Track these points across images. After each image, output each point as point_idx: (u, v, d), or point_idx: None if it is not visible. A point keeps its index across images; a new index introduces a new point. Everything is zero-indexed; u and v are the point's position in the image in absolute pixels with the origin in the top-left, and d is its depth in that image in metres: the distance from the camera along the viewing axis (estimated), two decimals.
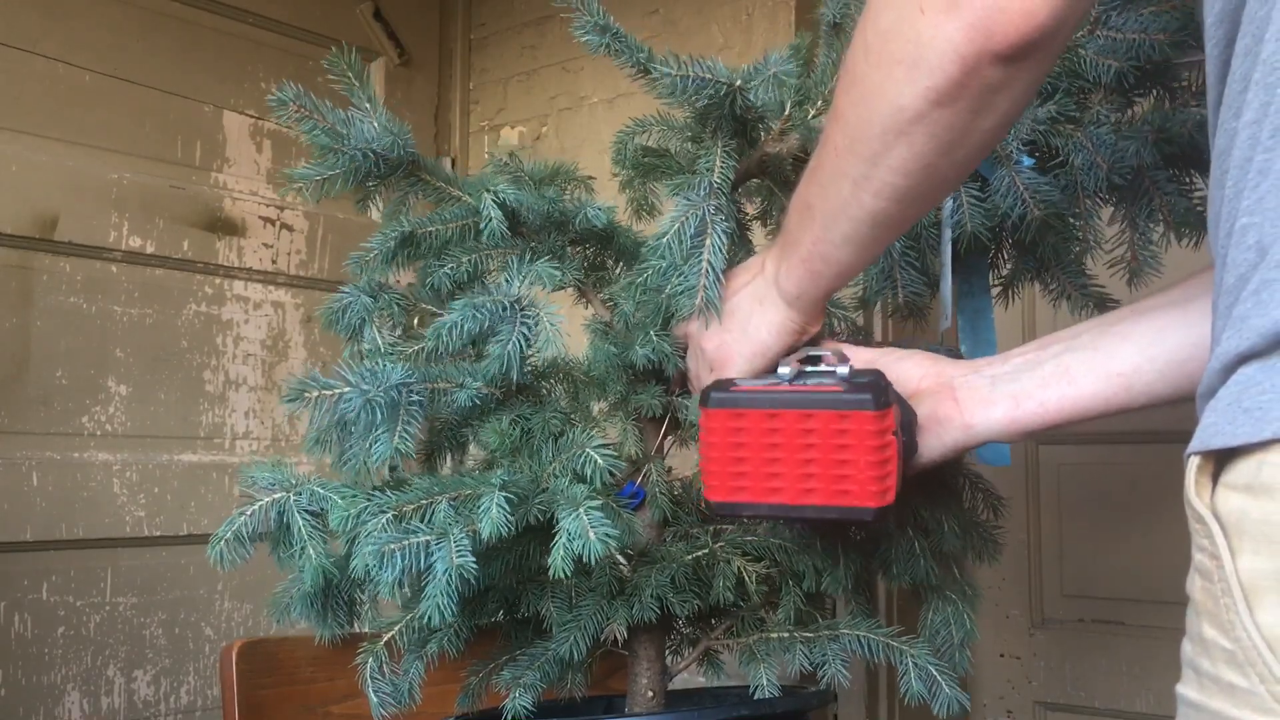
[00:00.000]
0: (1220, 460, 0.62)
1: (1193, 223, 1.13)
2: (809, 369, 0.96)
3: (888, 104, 0.80)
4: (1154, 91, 1.14)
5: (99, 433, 2.09)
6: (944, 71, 0.76)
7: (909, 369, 1.02)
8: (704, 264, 1.03)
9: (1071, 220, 1.16)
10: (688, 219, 1.03)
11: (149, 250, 2.16)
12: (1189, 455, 0.64)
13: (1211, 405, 0.64)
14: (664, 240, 1.03)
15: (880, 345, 1.11)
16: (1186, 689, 0.65)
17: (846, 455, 0.91)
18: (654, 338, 1.09)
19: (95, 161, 2.11)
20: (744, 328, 1.04)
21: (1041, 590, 2.04)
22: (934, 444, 1.00)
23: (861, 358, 1.04)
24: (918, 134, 0.80)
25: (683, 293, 1.04)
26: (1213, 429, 0.63)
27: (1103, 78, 1.10)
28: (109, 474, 2.08)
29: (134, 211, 2.14)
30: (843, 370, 0.94)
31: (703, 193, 1.05)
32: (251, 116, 2.34)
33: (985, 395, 0.98)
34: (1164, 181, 1.13)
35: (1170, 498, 0.66)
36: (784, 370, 0.95)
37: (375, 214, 2.51)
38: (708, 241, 1.03)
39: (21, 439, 1.99)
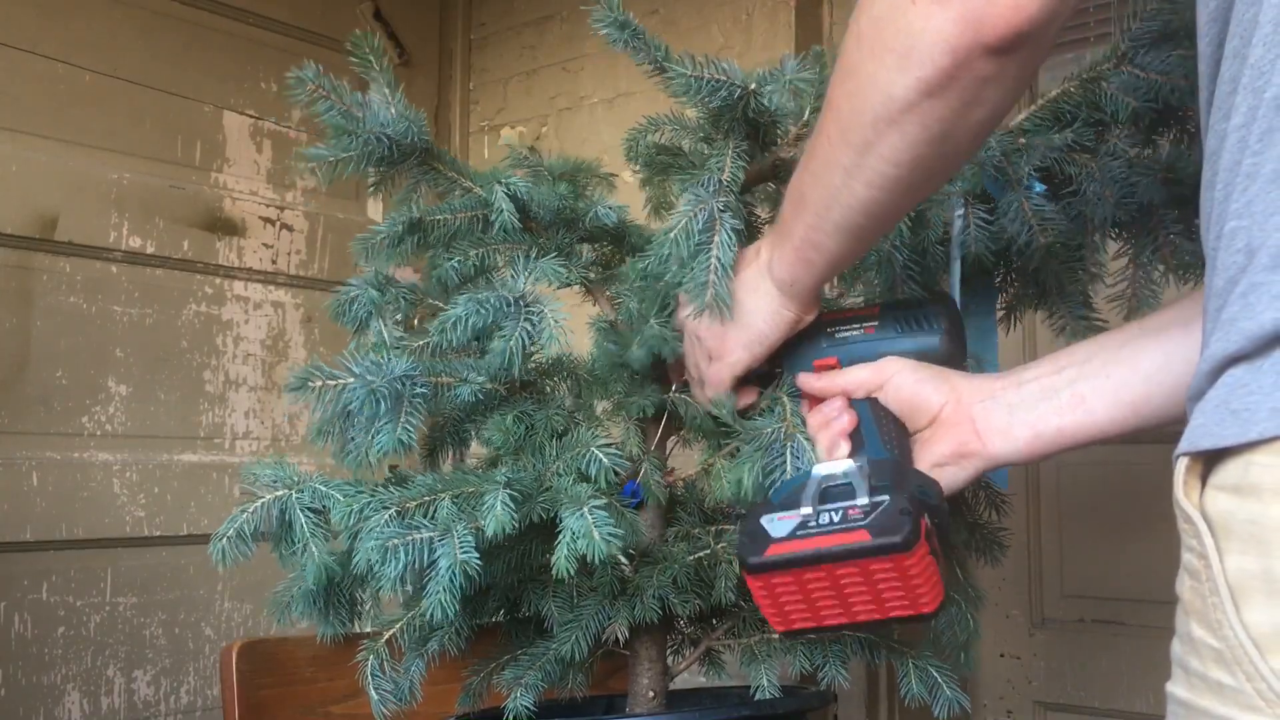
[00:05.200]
0: (1209, 461, 0.63)
1: (1194, 267, 1.12)
2: (828, 485, 0.95)
3: (879, 93, 0.81)
4: (1173, 131, 1.13)
5: (99, 433, 2.09)
6: (935, 62, 0.76)
7: (929, 395, 1.01)
8: (713, 260, 1.02)
9: (1078, 251, 1.15)
10: (696, 214, 1.03)
11: (149, 250, 2.16)
12: (1177, 456, 0.65)
13: (1200, 407, 0.64)
14: (672, 235, 1.03)
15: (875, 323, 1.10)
16: (1176, 687, 0.66)
17: (887, 587, 0.92)
18: (654, 327, 1.09)
19: (95, 161, 2.11)
20: (739, 316, 1.04)
21: (1041, 590, 2.04)
22: (959, 476, 1.01)
23: (860, 376, 1.04)
24: (909, 124, 0.81)
25: (692, 289, 1.03)
26: (1201, 430, 0.63)
27: (1120, 113, 1.09)
28: (109, 474, 2.08)
29: (134, 211, 2.14)
30: (863, 500, 0.92)
31: (711, 189, 1.05)
32: (251, 116, 2.34)
33: (1004, 425, 0.98)
34: (1170, 222, 1.13)
35: (1171, 498, 0.66)
36: (805, 509, 0.93)
37: (376, 214, 2.52)
38: (716, 238, 1.03)
39: (21, 439, 1.99)
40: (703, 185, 1.05)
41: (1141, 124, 1.11)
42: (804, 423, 1.05)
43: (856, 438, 1.02)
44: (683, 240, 1.03)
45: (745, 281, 1.03)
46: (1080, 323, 1.18)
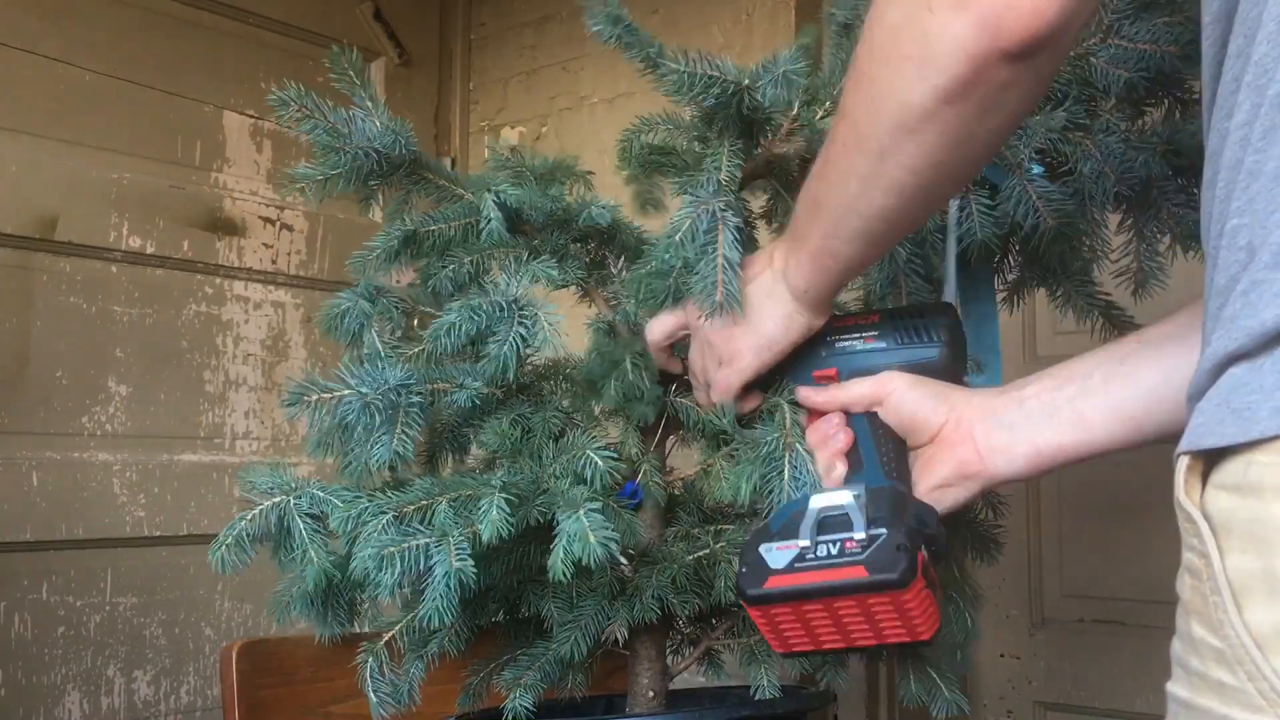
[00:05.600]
0: (1209, 460, 0.63)
1: (1199, 235, 1.13)
2: (825, 515, 0.96)
3: (896, 102, 0.80)
4: (1165, 101, 1.13)
5: (99, 433, 2.09)
6: (953, 69, 0.76)
7: (929, 414, 1.01)
8: (719, 259, 1.01)
9: (1080, 229, 1.15)
10: (699, 216, 1.03)
11: (149, 250, 2.16)
12: (1178, 455, 0.65)
13: (1200, 406, 0.65)
14: (676, 238, 1.03)
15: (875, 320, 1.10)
16: (1176, 687, 0.66)
17: (884, 618, 0.94)
18: (628, 370, 1.08)
19: (95, 161, 2.11)
20: (751, 321, 1.03)
21: (1041, 590, 2.04)
22: (961, 496, 1.01)
23: (858, 392, 1.03)
24: (927, 132, 0.80)
25: (701, 290, 1.03)
26: (1202, 429, 0.63)
27: (1113, 87, 1.09)
28: (109, 474, 2.08)
29: (134, 211, 2.14)
30: (860, 533, 0.93)
31: (711, 190, 1.04)
32: (251, 116, 2.34)
33: (1005, 445, 0.98)
34: (1172, 193, 1.12)
35: (1171, 498, 0.66)
36: (803, 541, 0.95)
37: (377, 214, 2.52)
38: (720, 237, 1.02)
39: (21, 439, 1.99)
40: (701, 186, 1.04)
41: (1135, 94, 1.10)
42: (803, 433, 1.05)
43: (854, 457, 1.02)
44: (687, 243, 1.02)
45: (759, 287, 1.03)
46: (1086, 300, 1.19)
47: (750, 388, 1.09)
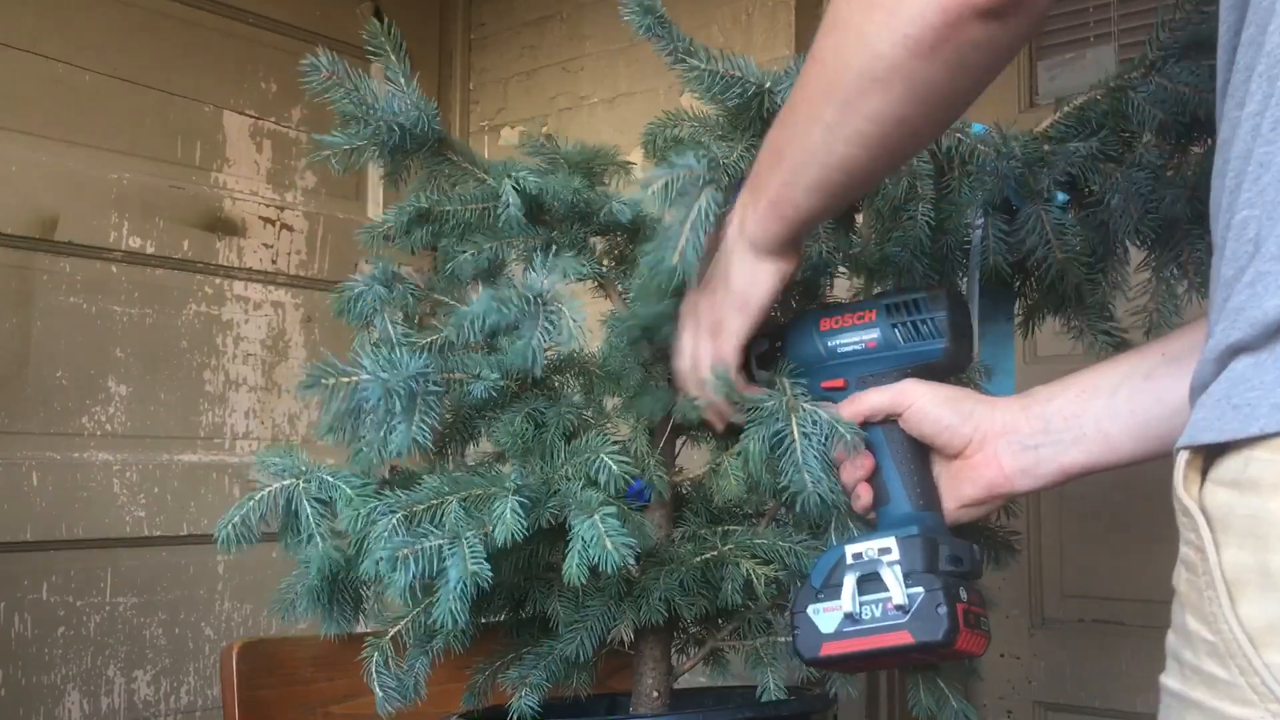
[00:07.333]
0: (1209, 456, 0.63)
1: None
2: (863, 574, 0.98)
3: (867, 50, 0.80)
4: (1203, 142, 1.12)
5: (99, 433, 2.08)
6: (925, 20, 0.76)
7: (954, 432, 1.00)
8: (690, 218, 0.99)
9: (1100, 262, 1.13)
10: (678, 176, 0.99)
11: (149, 250, 2.16)
12: (1178, 449, 0.65)
13: (1202, 400, 0.65)
14: (650, 190, 1.00)
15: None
16: (1169, 679, 0.66)
17: (938, 657, 1.00)
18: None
19: (95, 161, 2.10)
20: (727, 283, 1.02)
21: (1041, 590, 2.04)
22: (986, 510, 1.04)
23: (877, 402, 1.02)
24: (894, 83, 0.80)
25: (665, 246, 1.00)
26: (1202, 424, 0.63)
27: (1147, 123, 1.08)
28: (109, 474, 2.08)
29: (134, 211, 2.14)
30: (900, 597, 0.95)
31: (705, 161, 1.01)
32: (251, 116, 2.34)
33: (1031, 464, 0.99)
34: (1195, 237, 1.11)
35: (1170, 494, 0.66)
36: (847, 606, 0.97)
37: (378, 212, 2.51)
38: (698, 202, 0.99)
39: (21, 439, 1.99)
40: (695, 155, 1.02)
41: (1169, 136, 1.10)
42: (806, 394, 1.04)
43: (879, 483, 1.02)
44: (659, 198, 1.00)
45: (725, 248, 1.02)
46: (1101, 336, 1.17)
47: (748, 380, 1.08)
